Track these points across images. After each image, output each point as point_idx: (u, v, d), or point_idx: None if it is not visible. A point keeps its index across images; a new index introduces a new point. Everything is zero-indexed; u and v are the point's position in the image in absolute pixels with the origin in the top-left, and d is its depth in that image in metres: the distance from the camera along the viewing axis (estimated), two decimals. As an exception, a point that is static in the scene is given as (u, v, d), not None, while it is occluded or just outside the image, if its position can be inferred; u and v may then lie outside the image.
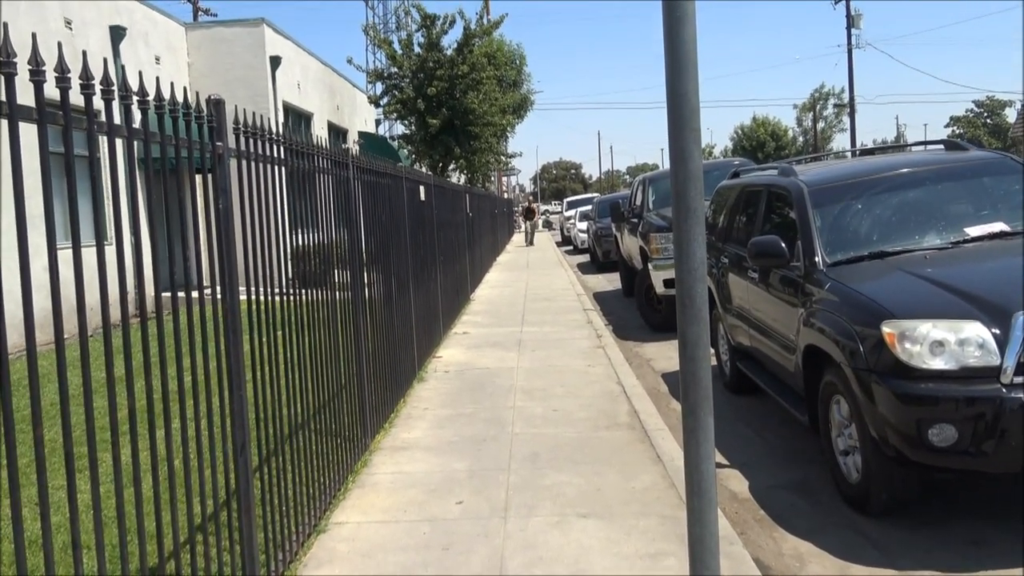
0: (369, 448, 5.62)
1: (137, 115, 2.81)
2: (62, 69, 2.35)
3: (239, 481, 3.31)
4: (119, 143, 2.68)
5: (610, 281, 17.64)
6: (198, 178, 3.32)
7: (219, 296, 3.32)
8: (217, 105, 3.47)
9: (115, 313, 2.51)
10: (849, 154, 9.99)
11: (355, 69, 31.07)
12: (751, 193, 7.07)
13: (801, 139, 66.24)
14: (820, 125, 63.48)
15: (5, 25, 2.21)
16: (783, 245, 5.53)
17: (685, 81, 2.41)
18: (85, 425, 2.26)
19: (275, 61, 18.29)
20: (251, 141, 3.73)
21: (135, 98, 2.79)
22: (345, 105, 25.52)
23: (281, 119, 18.00)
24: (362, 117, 28.11)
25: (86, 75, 2.50)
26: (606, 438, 5.76)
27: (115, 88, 2.63)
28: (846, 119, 48.46)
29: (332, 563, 3.90)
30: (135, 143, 2.87)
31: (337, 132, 24.17)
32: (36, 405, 2.04)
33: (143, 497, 2.54)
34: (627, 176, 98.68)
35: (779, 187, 6.31)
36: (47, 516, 2.05)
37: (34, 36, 2.41)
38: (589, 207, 26.62)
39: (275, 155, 4.07)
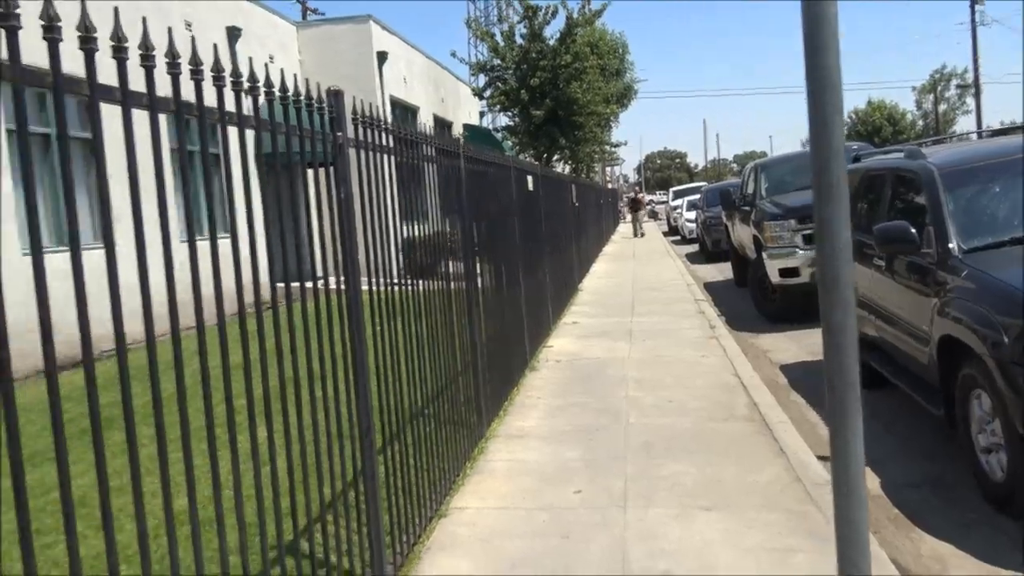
0: (485, 435, 5.64)
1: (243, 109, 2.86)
2: (195, 62, 2.41)
3: (365, 465, 3.36)
4: (244, 134, 2.74)
5: (720, 271, 17.22)
6: (310, 172, 3.37)
7: (342, 285, 3.37)
8: (337, 96, 3.52)
9: (234, 304, 2.57)
10: (975, 136, 9.42)
11: (459, 62, 31.48)
12: (874, 178, 6.74)
13: (921, 122, 62.99)
14: (942, 107, 60.23)
15: (144, 20, 2.27)
16: (913, 231, 5.24)
17: (826, 54, 2.27)
18: (225, 406, 2.32)
19: (382, 56, 18.64)
20: (368, 131, 3.76)
21: (262, 89, 2.84)
22: (449, 98, 25.81)
23: (388, 112, 18.34)
24: (466, 110, 28.37)
25: (217, 68, 2.56)
26: (723, 430, 5.60)
27: (244, 79, 2.69)
28: (970, 100, 45.80)
29: (454, 547, 3.92)
30: (254, 135, 2.92)
31: (442, 125, 24.47)
32: (180, 382, 2.11)
33: (273, 479, 2.60)
34: (734, 164, 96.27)
35: (906, 170, 5.99)
36: (194, 496, 2.12)
37: (170, 30, 2.48)
38: (697, 196, 26.09)
39: (391, 145, 4.11)
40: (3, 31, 1.71)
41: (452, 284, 5.07)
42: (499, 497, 4.56)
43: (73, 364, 7.45)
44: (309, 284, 3.17)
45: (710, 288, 14.67)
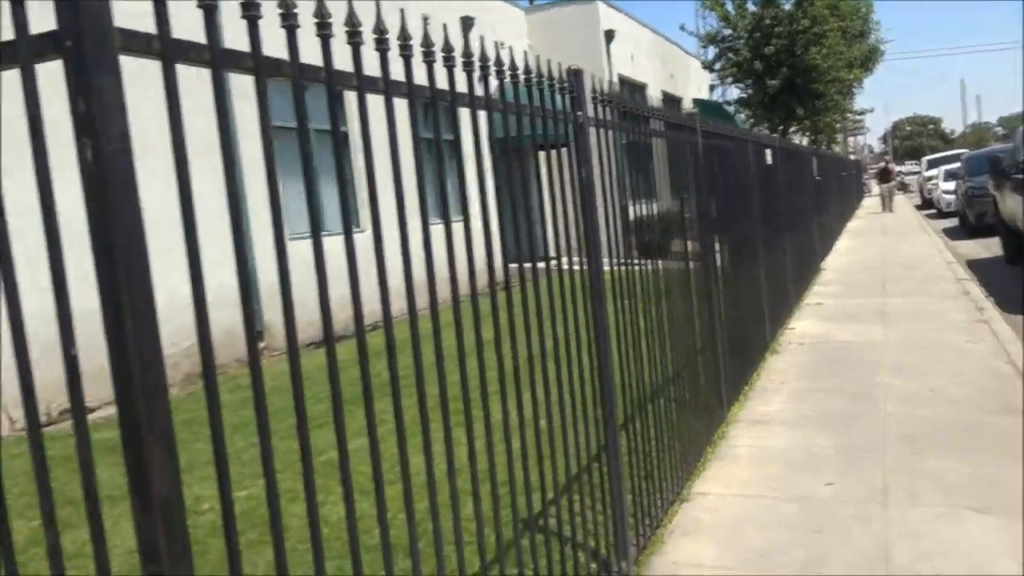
0: (725, 420, 5.46)
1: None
2: (447, 49, 2.48)
3: (609, 444, 3.36)
4: (492, 117, 2.79)
5: (986, 247, 15.52)
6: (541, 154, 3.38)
7: (583, 265, 3.37)
8: (577, 75, 3.51)
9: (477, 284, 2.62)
10: None
11: (687, 35, 30.58)
12: None
13: None
14: None
15: (402, 11, 2.37)
16: None
17: None
18: (479, 380, 2.40)
19: (609, 35, 18.58)
20: (607, 110, 3.72)
21: (508, 72, 2.87)
22: (678, 73, 25.26)
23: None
24: (695, 84, 27.66)
25: (467, 54, 2.62)
26: (998, 424, 5.03)
27: (491, 64, 2.74)
28: None
29: (698, 532, 3.83)
30: (501, 118, 2.96)
31: (671, 100, 24.01)
32: (439, 355, 2.19)
33: (513, 453, 2.65)
34: (999, 128, 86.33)
35: None
36: (452, 464, 2.21)
37: (425, 19, 2.59)
38: (956, 165, 23.63)
39: (630, 123, 4.04)
40: (284, 31, 1.84)
41: (689, 263, 4.94)
42: (743, 484, 4.39)
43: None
44: (542, 264, 3.19)
45: (974, 266, 13.27)
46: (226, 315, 5.12)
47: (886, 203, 29.45)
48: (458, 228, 2.48)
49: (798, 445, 4.94)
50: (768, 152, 8.69)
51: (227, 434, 5.97)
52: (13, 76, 1.39)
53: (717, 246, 5.80)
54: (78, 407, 1.38)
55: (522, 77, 2.98)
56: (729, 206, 6.39)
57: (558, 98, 3.31)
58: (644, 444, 3.74)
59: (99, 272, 1.28)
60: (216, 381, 1.54)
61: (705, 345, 5.16)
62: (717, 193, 5.98)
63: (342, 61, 1.98)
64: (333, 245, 2.00)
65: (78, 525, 4.31)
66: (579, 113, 3.46)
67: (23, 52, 1.34)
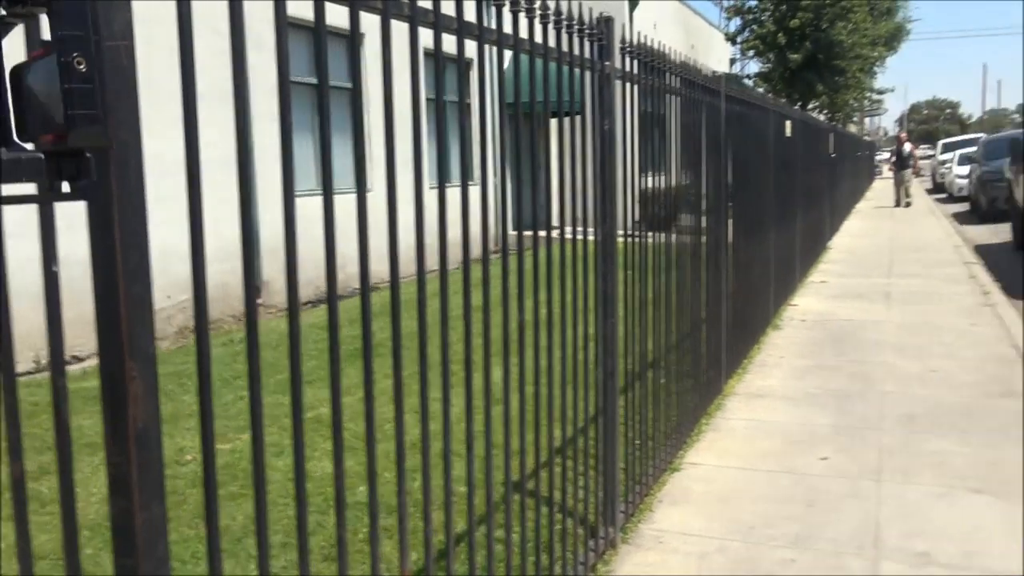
0: (722, 392, 5.43)
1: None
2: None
3: (607, 406, 3.32)
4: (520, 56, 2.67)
5: (995, 233, 15.36)
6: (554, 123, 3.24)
7: (584, 232, 3.27)
8: (608, 23, 3.35)
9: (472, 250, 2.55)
10: None
11: (712, 5, 30.10)
12: None
13: None
14: None
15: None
16: None
17: None
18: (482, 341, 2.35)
19: (633, 1, 18.22)
20: (636, 63, 3.60)
21: (524, 5, 2.62)
22: (700, 44, 24.82)
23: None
24: (716, 56, 27.21)
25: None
26: (1001, 406, 5.00)
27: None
28: None
29: (688, 502, 3.81)
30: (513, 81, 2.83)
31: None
32: (423, 326, 2.14)
33: (511, 416, 2.61)
34: (1016, 115, 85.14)
35: None
36: (448, 421, 2.17)
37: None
38: (972, 149, 23.28)
39: (662, 81, 3.94)
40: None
41: (702, 233, 4.85)
42: (736, 456, 4.37)
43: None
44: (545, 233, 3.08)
45: (983, 251, 13.14)
46: (221, 269, 5.02)
47: (901, 196, 22.40)
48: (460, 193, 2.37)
49: (794, 420, 4.92)
50: (788, 124, 8.55)
51: (216, 387, 5.94)
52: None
53: (731, 217, 5.72)
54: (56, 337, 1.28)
55: (552, 17, 2.76)
56: (745, 177, 6.29)
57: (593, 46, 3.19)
58: (640, 411, 3.70)
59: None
60: (207, 324, 1.45)
61: (710, 316, 5.10)
62: (736, 163, 5.88)
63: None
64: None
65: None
66: (606, 64, 3.33)
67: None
